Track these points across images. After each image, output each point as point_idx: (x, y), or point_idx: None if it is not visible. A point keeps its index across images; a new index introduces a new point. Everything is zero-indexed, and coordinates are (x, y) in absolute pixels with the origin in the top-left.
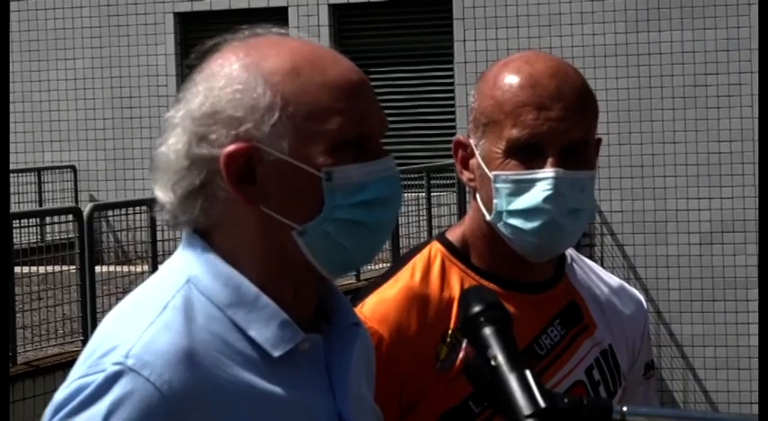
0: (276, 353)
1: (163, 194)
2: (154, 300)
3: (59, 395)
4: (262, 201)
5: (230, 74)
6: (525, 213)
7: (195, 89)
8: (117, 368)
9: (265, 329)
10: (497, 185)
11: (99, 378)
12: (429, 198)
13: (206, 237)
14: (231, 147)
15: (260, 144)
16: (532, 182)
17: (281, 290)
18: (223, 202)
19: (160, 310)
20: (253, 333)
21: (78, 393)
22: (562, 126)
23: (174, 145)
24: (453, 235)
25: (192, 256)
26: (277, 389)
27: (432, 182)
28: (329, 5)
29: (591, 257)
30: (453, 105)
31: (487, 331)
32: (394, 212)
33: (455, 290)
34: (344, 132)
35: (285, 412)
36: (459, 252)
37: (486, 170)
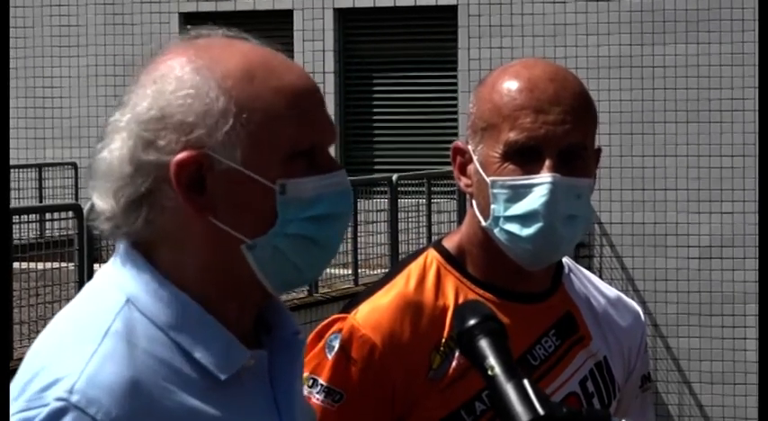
0: (223, 376)
1: (102, 202)
2: (93, 323)
3: None
4: (211, 212)
5: (181, 77)
6: (522, 219)
7: (142, 91)
8: (60, 404)
9: (211, 351)
10: (495, 191)
11: (42, 413)
12: (429, 204)
13: (147, 251)
14: (182, 155)
15: (212, 152)
16: (530, 187)
17: (225, 306)
18: (169, 212)
19: (101, 337)
20: (198, 355)
21: None
22: (560, 130)
23: (117, 149)
24: (450, 242)
25: (131, 273)
26: (224, 413)
27: (432, 189)
28: (334, 10)
29: (589, 268)
30: (456, 112)
31: (483, 343)
32: (343, 228)
33: (450, 298)
34: (299, 142)
35: None
36: (455, 260)
37: (484, 175)
